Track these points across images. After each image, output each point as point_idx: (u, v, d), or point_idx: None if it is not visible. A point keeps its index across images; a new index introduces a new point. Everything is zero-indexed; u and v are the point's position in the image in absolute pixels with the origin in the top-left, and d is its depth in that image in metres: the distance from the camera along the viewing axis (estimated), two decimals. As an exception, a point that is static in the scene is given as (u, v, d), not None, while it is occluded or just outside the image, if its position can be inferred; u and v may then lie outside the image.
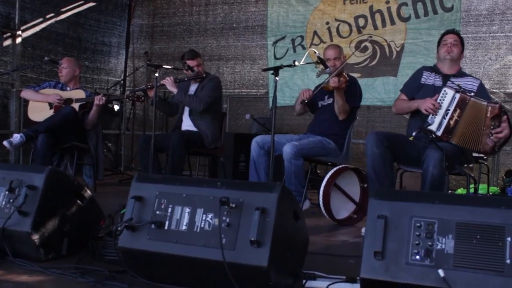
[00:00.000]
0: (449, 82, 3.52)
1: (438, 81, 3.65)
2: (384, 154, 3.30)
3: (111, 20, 8.12)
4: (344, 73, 4.08)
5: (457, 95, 3.33)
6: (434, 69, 3.72)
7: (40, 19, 6.80)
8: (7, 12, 6.29)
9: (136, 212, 2.14)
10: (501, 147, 3.40)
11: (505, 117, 3.26)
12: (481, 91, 3.52)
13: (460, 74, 3.69)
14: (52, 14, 6.98)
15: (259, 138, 4.23)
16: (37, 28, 6.76)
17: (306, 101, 4.21)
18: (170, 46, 8.24)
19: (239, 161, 5.97)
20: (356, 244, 3.25)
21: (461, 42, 3.73)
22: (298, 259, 2.22)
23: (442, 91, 3.39)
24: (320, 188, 3.81)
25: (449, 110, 3.33)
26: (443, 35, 3.78)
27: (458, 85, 3.41)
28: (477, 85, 3.57)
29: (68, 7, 7.27)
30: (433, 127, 3.33)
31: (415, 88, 3.71)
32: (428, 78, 3.70)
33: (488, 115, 3.26)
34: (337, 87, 3.98)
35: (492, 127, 3.25)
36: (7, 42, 6.33)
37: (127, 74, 8.38)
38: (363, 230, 3.22)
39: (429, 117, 3.38)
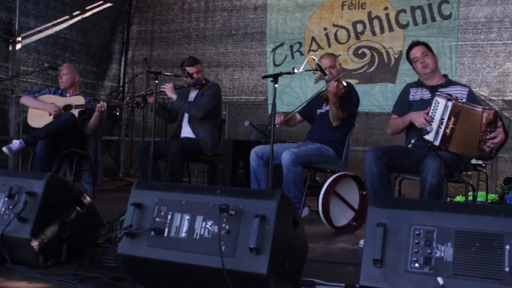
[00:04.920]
0: (438, 92, 3.49)
1: (426, 94, 3.63)
2: (382, 171, 3.30)
3: (113, 27, 8.15)
4: (341, 80, 4.10)
5: (450, 103, 3.32)
6: (419, 84, 3.71)
7: (44, 26, 6.82)
8: (9, 18, 6.31)
9: (135, 219, 2.14)
10: (497, 151, 3.41)
11: (499, 123, 3.27)
12: (471, 98, 3.50)
13: (448, 83, 3.65)
14: (60, 19, 7.00)
15: (258, 149, 4.23)
16: (42, 34, 6.78)
17: (277, 126, 4.19)
18: (169, 53, 8.25)
19: (238, 168, 5.97)
20: (355, 252, 3.25)
21: (429, 48, 3.66)
22: (297, 266, 2.22)
23: (434, 101, 3.38)
24: (319, 196, 3.81)
25: (443, 119, 3.32)
26: (408, 52, 3.71)
27: (448, 94, 3.41)
28: (466, 92, 3.55)
29: (76, 12, 7.32)
30: (430, 137, 3.34)
31: (405, 106, 3.70)
32: (416, 94, 3.69)
33: (484, 121, 3.26)
34: (335, 92, 3.99)
35: (488, 133, 3.26)
36: (9, 48, 6.34)
37: (126, 81, 8.39)
38: (361, 242, 3.23)
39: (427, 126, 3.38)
